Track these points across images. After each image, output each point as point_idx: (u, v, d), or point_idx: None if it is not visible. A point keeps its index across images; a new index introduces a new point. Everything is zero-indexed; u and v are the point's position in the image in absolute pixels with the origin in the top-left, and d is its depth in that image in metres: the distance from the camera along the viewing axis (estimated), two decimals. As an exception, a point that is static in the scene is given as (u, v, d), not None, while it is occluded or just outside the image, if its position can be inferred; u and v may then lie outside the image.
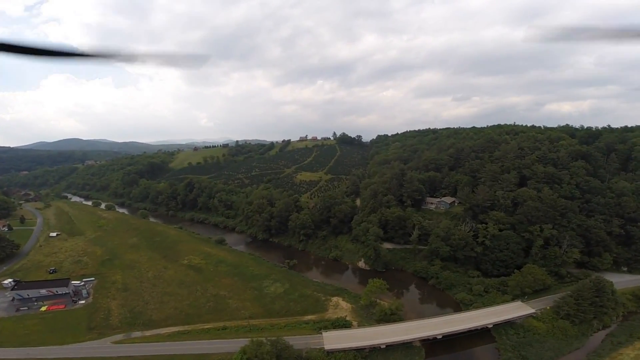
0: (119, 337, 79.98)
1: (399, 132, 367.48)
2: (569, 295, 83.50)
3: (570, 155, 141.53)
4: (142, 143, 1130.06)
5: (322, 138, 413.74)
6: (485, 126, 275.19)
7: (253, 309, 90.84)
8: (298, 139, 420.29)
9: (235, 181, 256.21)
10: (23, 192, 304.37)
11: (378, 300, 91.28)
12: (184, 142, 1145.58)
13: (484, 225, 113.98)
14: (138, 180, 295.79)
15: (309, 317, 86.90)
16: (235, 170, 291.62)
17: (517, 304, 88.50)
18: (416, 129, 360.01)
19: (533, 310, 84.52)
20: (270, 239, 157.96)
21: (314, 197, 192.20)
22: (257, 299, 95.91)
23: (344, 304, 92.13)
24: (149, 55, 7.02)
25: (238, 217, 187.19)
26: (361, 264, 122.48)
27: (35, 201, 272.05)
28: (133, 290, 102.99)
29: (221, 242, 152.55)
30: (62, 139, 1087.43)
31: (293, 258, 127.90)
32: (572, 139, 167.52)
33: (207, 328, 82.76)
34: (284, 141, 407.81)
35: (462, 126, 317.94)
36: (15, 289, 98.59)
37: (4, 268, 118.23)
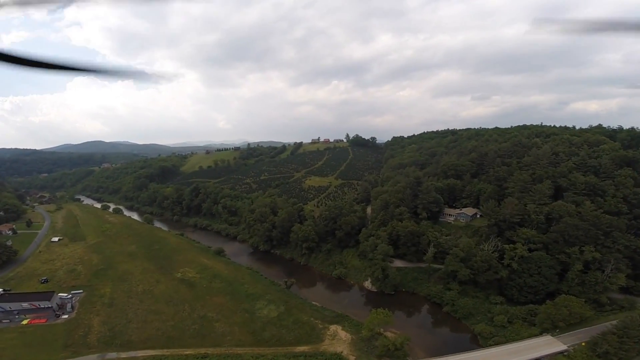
0: (93, 357, 75.31)
1: (416, 133, 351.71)
2: (611, 332, 69.69)
3: (614, 161, 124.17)
4: (162, 145, 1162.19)
5: (334, 140, 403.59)
6: (510, 127, 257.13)
7: (240, 335, 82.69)
8: (310, 140, 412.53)
9: (243, 186, 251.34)
10: (39, 195, 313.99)
11: (382, 331, 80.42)
12: (202, 144, 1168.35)
13: (511, 245, 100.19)
14: (148, 184, 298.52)
15: (302, 348, 77.51)
16: (244, 174, 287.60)
17: (546, 338, 76.36)
18: (434, 130, 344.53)
19: (565, 347, 72.35)
20: (272, 251, 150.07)
21: (321, 204, 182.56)
22: (247, 324, 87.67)
23: (343, 333, 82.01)
24: (126, 71, 7.01)
25: (241, 225, 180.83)
26: (367, 284, 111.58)
27: (49, 203, 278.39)
28: (119, 305, 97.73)
29: (220, 252, 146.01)
30: (86, 141, 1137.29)
31: (293, 274, 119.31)
32: (614, 142, 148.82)
33: (186, 354, 75.97)
34: (295, 144, 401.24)
35: (482, 126, 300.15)
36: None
37: None
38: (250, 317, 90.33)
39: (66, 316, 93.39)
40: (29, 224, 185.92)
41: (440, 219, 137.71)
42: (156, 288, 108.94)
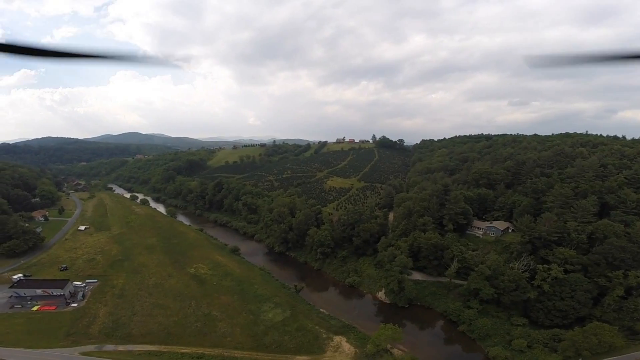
0: (91, 348, 77.03)
1: (447, 137, 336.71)
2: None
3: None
4: (194, 139, 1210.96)
5: (360, 140, 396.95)
6: (551, 134, 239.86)
7: (241, 338, 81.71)
8: (335, 140, 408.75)
9: (265, 183, 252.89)
10: (75, 182, 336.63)
11: (389, 347, 75.66)
12: (231, 139, 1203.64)
13: (545, 265, 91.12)
14: (175, 176, 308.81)
15: (302, 358, 75.11)
16: (268, 171, 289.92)
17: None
18: (467, 134, 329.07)
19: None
20: (287, 253, 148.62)
21: (341, 208, 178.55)
22: (250, 326, 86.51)
23: (346, 346, 78.38)
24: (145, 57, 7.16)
25: (260, 224, 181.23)
26: (381, 295, 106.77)
27: (84, 191, 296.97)
28: (127, 297, 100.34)
29: (235, 251, 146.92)
30: (124, 132, 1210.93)
31: (305, 278, 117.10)
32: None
33: (183, 352, 76.03)
34: (320, 142, 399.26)
35: (520, 133, 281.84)
36: (15, 287, 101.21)
37: (22, 262, 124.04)
38: (254, 320, 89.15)
39: (75, 305, 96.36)
40: (60, 211, 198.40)
41: (467, 232, 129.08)
42: (167, 282, 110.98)
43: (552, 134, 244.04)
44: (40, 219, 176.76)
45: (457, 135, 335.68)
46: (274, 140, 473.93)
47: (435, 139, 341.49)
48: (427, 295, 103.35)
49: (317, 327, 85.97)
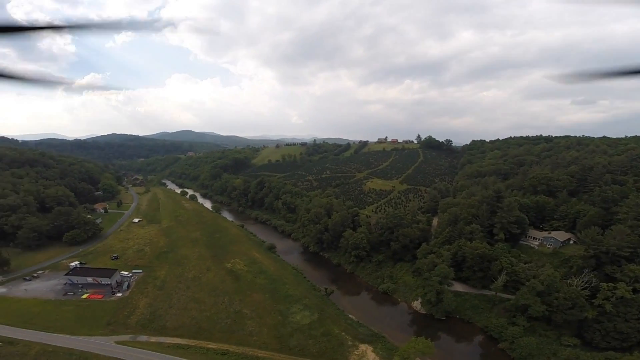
0: (126, 337, 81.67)
1: (500, 138, 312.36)
2: None
3: None
4: (242, 137, 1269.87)
5: (403, 141, 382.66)
6: (624, 137, 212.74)
7: (267, 338, 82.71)
8: (377, 140, 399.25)
9: (305, 183, 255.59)
10: (134, 177, 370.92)
11: (418, 362, 71.16)
12: (276, 138, 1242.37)
13: (610, 283, 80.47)
14: (221, 174, 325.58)
15: (324, 364, 73.41)
16: (308, 171, 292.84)
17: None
18: (523, 135, 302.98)
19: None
20: (321, 253, 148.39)
21: (380, 211, 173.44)
22: (277, 327, 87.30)
23: (372, 355, 75.60)
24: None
25: (297, 223, 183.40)
26: (416, 304, 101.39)
27: (141, 185, 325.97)
28: (167, 289, 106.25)
29: (271, 248, 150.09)
30: (179, 130, 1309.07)
31: (337, 281, 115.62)
32: None
33: (209, 348, 78.45)
34: (360, 142, 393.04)
35: (586, 134, 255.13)
36: (70, 274, 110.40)
37: (80, 249, 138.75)
38: (282, 321, 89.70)
39: (120, 294, 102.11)
40: (119, 204, 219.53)
41: (520, 242, 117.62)
42: (205, 276, 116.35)
43: (625, 136, 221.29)
44: (101, 210, 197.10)
45: (512, 136, 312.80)
46: (315, 140, 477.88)
47: (487, 140, 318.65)
48: (467, 309, 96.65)
49: (343, 333, 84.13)
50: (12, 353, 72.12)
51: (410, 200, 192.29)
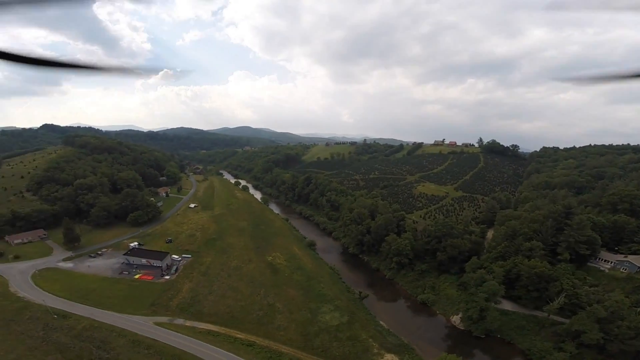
0: (164, 319, 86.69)
1: (577, 145, 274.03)
2: None
3: None
4: (294, 134, 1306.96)
5: (462, 144, 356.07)
6: None
7: (293, 334, 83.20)
8: (433, 142, 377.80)
9: (351, 182, 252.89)
10: (195, 166, 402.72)
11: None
12: (326, 136, 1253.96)
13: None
14: (273, 168, 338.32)
15: (345, 369, 71.34)
16: (356, 170, 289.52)
17: None
18: (605, 143, 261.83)
19: None
20: (360, 255, 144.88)
21: (429, 217, 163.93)
22: (305, 325, 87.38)
23: (396, 367, 71.00)
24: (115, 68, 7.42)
25: (339, 222, 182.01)
26: (455, 319, 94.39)
27: (200, 174, 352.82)
28: (210, 276, 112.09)
29: (311, 245, 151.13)
30: (239, 126, 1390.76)
31: (374, 286, 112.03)
32: None
33: (237, 337, 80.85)
34: (415, 144, 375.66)
35: None
36: (127, 254, 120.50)
37: (140, 230, 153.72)
38: (311, 319, 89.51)
39: (168, 277, 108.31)
40: (179, 189, 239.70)
41: (589, 263, 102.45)
42: (246, 266, 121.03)
43: None
44: (163, 194, 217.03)
45: (592, 144, 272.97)
46: (365, 139, 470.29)
47: (561, 147, 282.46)
48: (512, 329, 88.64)
49: (370, 339, 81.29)
50: (62, 326, 79.58)
51: (464, 209, 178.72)
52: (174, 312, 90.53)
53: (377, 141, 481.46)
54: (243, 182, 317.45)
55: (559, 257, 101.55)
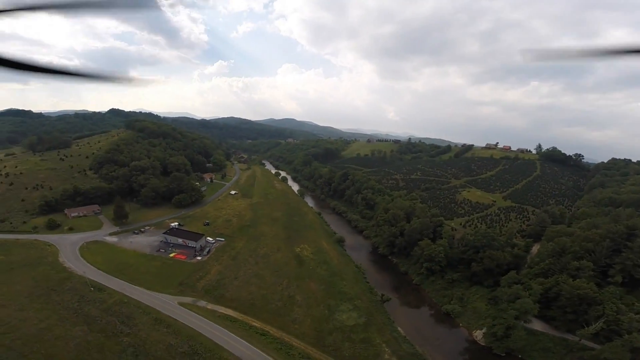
0: (189, 300, 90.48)
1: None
2: None
3: None
4: (336, 129, 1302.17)
5: (517, 149, 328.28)
6: None
7: (307, 329, 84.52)
8: (484, 145, 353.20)
9: (390, 181, 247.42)
10: (240, 155, 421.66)
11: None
12: (369, 132, 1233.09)
13: None
14: (312, 161, 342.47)
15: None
16: (397, 169, 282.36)
17: None
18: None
19: None
20: (390, 257, 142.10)
21: (470, 225, 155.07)
22: (320, 321, 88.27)
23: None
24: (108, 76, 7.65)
25: (372, 221, 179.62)
26: (477, 334, 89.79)
27: (245, 163, 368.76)
28: (238, 261, 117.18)
29: (340, 241, 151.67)
30: (284, 118, 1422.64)
31: (399, 290, 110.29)
32: None
33: (252, 325, 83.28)
34: (464, 145, 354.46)
35: None
36: (166, 233, 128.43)
37: (182, 212, 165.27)
38: (327, 316, 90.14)
39: (200, 258, 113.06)
40: (223, 176, 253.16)
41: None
42: (274, 255, 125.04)
43: None
44: (208, 180, 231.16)
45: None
46: (410, 138, 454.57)
47: (634, 160, 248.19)
48: (536, 350, 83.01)
49: (384, 345, 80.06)
50: (95, 299, 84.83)
51: (510, 220, 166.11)
52: (199, 294, 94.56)
53: (422, 140, 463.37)
54: (283, 174, 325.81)
55: (608, 279, 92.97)
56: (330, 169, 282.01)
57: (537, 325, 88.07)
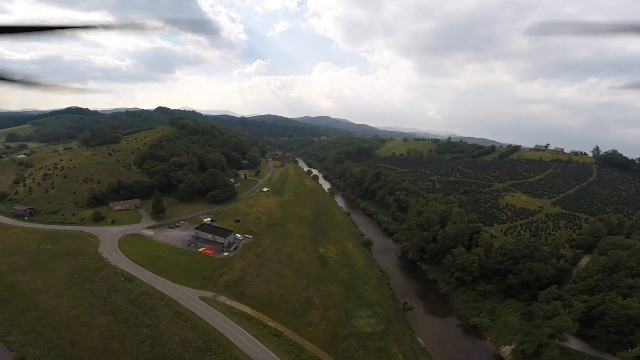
0: (210, 295, 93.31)
1: None
2: None
3: None
4: (372, 127, 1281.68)
5: (571, 151, 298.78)
6: None
7: (321, 333, 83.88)
8: (533, 146, 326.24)
9: (426, 182, 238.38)
10: (275, 152, 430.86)
11: None
12: (407, 131, 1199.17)
13: None
14: (344, 160, 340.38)
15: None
16: (434, 170, 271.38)
17: None
18: None
19: None
20: (419, 263, 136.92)
21: (512, 233, 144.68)
22: (336, 325, 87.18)
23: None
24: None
25: (404, 224, 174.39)
26: (505, 350, 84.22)
27: (279, 160, 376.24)
28: (263, 259, 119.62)
29: (367, 244, 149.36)
30: (319, 115, 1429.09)
31: (425, 299, 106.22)
32: None
33: (266, 325, 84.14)
34: (509, 146, 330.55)
35: None
36: (198, 229, 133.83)
37: (215, 208, 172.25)
38: (344, 321, 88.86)
39: (226, 254, 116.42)
40: (257, 173, 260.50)
41: None
42: (298, 255, 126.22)
43: None
44: (242, 177, 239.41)
45: None
46: (450, 137, 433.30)
47: None
48: None
49: (400, 355, 77.33)
50: (123, 289, 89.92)
51: (558, 228, 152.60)
52: (220, 289, 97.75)
53: (464, 140, 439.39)
54: (315, 172, 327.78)
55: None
56: (363, 168, 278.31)
57: (574, 344, 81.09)
